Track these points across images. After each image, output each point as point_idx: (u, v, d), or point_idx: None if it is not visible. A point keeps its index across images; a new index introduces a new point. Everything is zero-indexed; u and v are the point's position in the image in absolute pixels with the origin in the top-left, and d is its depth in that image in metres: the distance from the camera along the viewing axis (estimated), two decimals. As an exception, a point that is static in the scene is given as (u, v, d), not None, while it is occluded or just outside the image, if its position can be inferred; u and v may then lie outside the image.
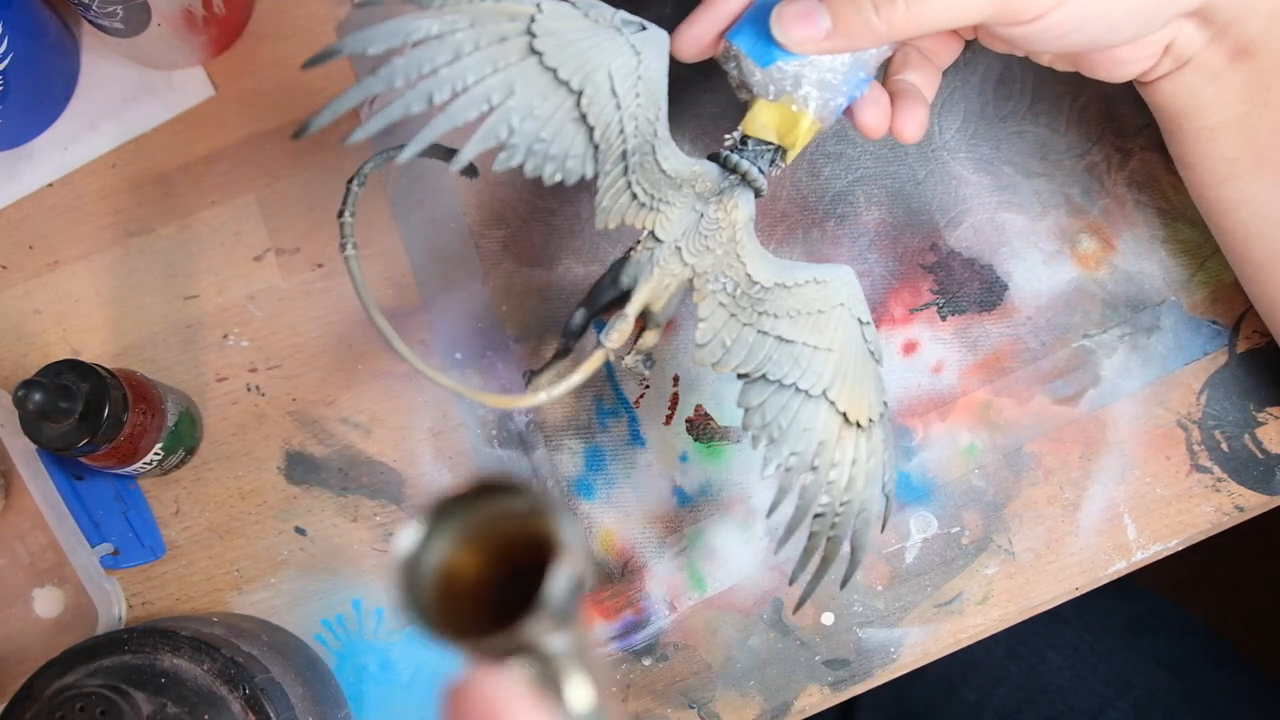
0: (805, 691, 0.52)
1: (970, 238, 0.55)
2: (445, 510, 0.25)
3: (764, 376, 0.43)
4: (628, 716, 0.52)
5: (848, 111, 0.44)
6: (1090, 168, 0.55)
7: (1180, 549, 0.52)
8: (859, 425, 0.43)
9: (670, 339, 0.55)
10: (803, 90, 0.42)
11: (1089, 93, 0.55)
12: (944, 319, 0.54)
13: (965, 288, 0.54)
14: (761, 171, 0.43)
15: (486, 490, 0.25)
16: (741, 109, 0.44)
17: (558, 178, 0.39)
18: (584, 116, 0.39)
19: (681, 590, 0.53)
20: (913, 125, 0.43)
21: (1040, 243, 0.54)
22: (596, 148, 0.40)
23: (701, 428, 0.54)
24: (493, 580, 0.27)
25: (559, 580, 0.23)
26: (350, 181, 0.42)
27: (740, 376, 0.43)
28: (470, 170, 0.43)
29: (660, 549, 0.53)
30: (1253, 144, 0.43)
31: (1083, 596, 0.52)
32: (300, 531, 0.54)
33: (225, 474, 0.55)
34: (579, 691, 0.25)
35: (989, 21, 0.38)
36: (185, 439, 0.53)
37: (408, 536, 0.25)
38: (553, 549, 0.24)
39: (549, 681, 0.25)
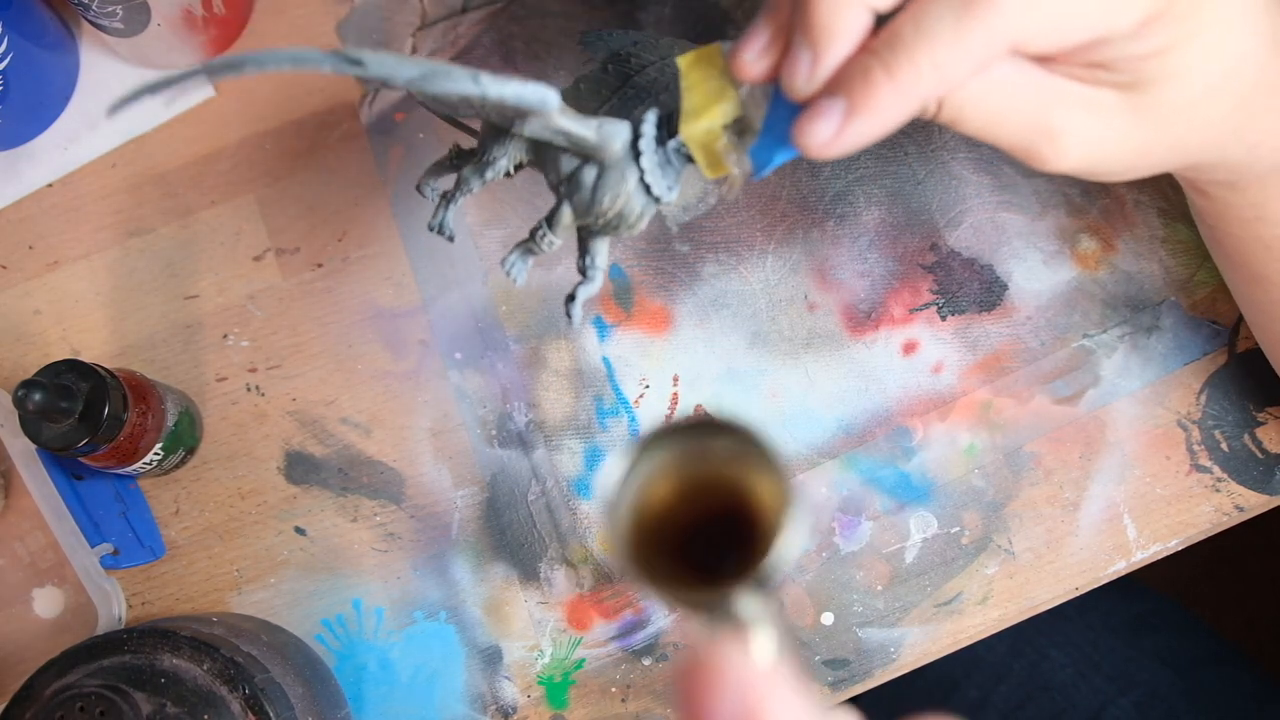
0: (805, 691, 0.52)
1: (970, 238, 0.55)
2: (657, 441, 0.25)
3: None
4: (631, 717, 0.52)
5: None
6: (1090, 167, 0.55)
7: (1180, 549, 0.52)
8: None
9: (670, 339, 0.55)
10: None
11: (1089, 92, 0.55)
12: (944, 319, 0.54)
13: (965, 288, 0.54)
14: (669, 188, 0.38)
15: (706, 427, 0.24)
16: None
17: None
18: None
19: (681, 590, 0.53)
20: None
21: (1040, 243, 0.54)
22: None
23: (701, 428, 0.54)
24: (683, 519, 0.26)
25: (787, 546, 0.22)
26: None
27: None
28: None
29: (660, 549, 0.53)
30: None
31: (1085, 595, 0.52)
32: (300, 531, 0.54)
33: (225, 474, 0.55)
34: (767, 653, 0.23)
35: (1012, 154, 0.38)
36: (185, 439, 0.53)
37: (613, 468, 0.24)
38: (765, 504, 0.23)
39: (737, 640, 0.23)
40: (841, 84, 0.31)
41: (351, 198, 0.57)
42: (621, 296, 0.55)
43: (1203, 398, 0.53)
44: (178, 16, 0.54)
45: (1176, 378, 0.53)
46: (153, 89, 0.33)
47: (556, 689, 0.52)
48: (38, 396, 0.45)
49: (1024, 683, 0.66)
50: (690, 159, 0.37)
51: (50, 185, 0.58)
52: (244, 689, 0.44)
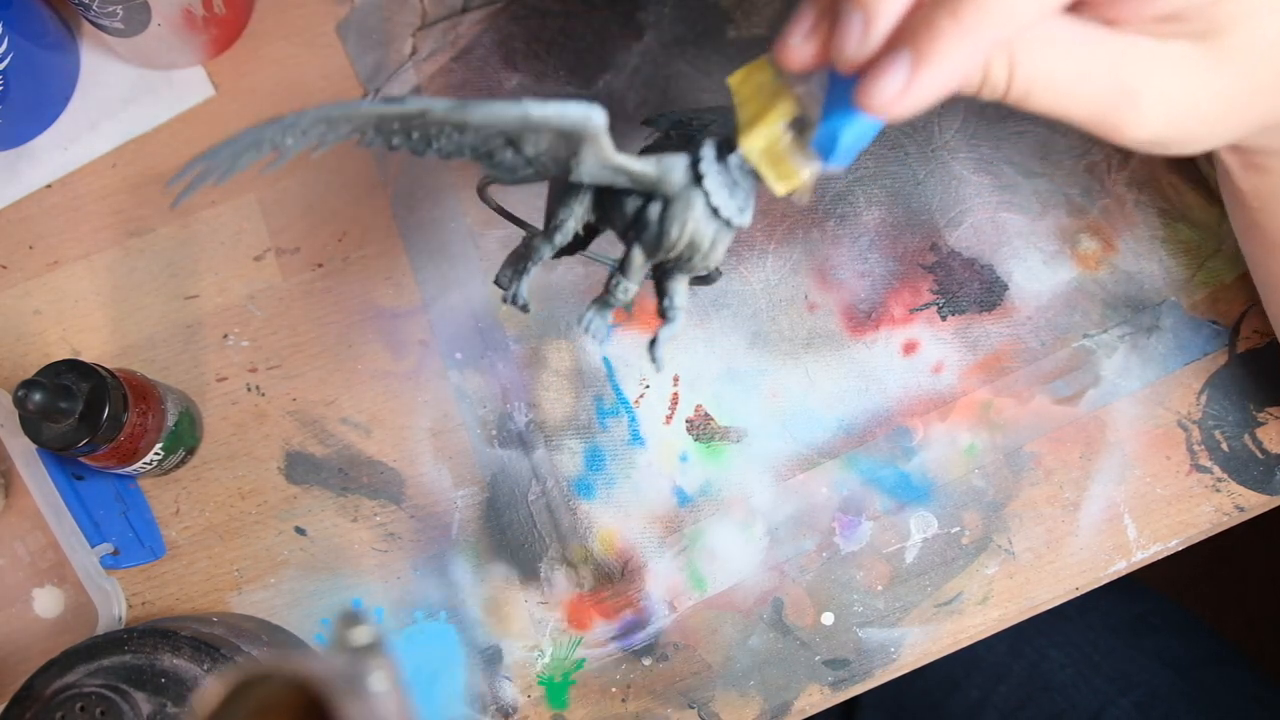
0: (805, 691, 0.52)
1: (970, 238, 0.55)
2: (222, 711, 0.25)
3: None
4: (631, 717, 0.52)
5: None
6: (1090, 168, 0.55)
7: (1180, 549, 0.52)
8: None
9: (669, 340, 0.55)
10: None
11: (1089, 92, 0.55)
12: (944, 319, 0.54)
13: (965, 288, 0.54)
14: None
15: (248, 685, 0.25)
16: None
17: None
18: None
19: (681, 590, 0.53)
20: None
21: (1040, 243, 0.54)
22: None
23: (701, 428, 0.54)
24: None
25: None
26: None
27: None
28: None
29: (660, 549, 0.53)
30: None
31: (1085, 595, 0.52)
32: (300, 531, 0.54)
33: (225, 474, 0.55)
34: None
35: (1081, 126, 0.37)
36: (185, 439, 0.53)
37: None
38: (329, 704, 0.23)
39: None
40: (904, 36, 0.30)
41: (351, 198, 0.57)
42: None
43: (1203, 398, 0.53)
44: (178, 16, 0.54)
45: (1177, 378, 0.53)
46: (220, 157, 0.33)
47: (556, 689, 0.52)
48: (38, 396, 0.45)
49: (1024, 683, 0.66)
50: (756, 176, 0.35)
51: (50, 185, 0.58)
52: (244, 689, 0.44)
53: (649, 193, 0.36)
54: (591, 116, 0.33)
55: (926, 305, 0.54)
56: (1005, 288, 0.54)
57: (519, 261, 0.40)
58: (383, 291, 0.56)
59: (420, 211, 0.56)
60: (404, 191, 0.57)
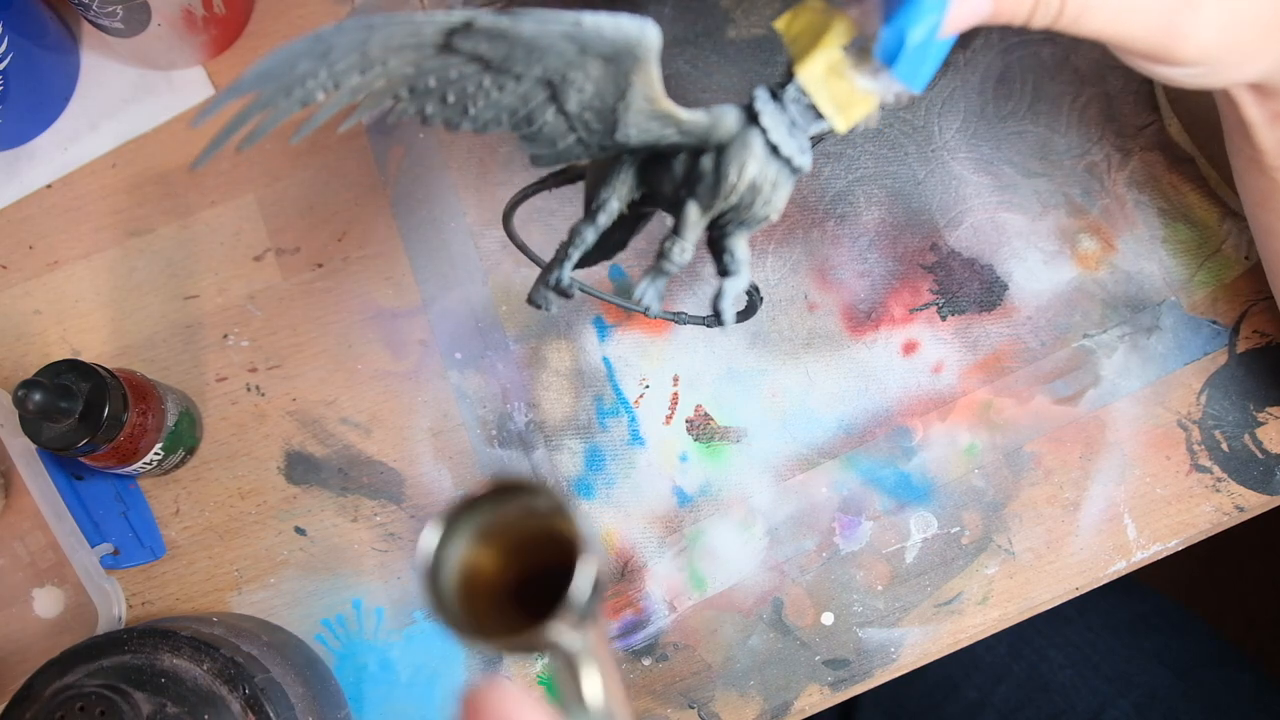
0: (805, 691, 0.52)
1: (970, 238, 0.55)
2: (464, 511, 0.26)
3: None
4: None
5: None
6: (1090, 168, 0.55)
7: (1180, 549, 0.52)
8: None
9: (670, 339, 0.55)
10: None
11: (1089, 93, 0.55)
12: (944, 319, 0.54)
13: (965, 288, 0.54)
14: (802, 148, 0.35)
15: (503, 491, 0.26)
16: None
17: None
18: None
19: (681, 590, 0.53)
20: None
21: (1040, 243, 0.54)
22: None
23: (701, 428, 0.54)
24: (512, 577, 0.27)
25: (582, 580, 0.24)
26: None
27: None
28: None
29: (660, 549, 0.53)
30: None
31: (1085, 595, 0.52)
32: (300, 531, 0.54)
33: (225, 474, 0.55)
34: (594, 687, 0.26)
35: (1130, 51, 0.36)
36: (185, 439, 0.53)
37: (428, 538, 0.26)
38: (572, 548, 0.24)
39: (567, 676, 0.26)
40: None
41: (351, 198, 0.57)
42: (622, 296, 0.55)
43: (1203, 398, 0.53)
44: (178, 16, 0.54)
45: (1176, 378, 0.53)
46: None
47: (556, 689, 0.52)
48: (38, 396, 0.45)
49: (1023, 684, 0.66)
50: (815, 112, 0.33)
51: (50, 185, 0.58)
52: (244, 689, 0.44)
53: (699, 148, 0.34)
54: (646, 29, 0.31)
55: (926, 305, 0.54)
56: (1005, 288, 0.54)
57: (551, 272, 0.38)
58: (383, 291, 0.56)
59: (420, 211, 0.56)
60: (404, 191, 0.57)
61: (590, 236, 0.37)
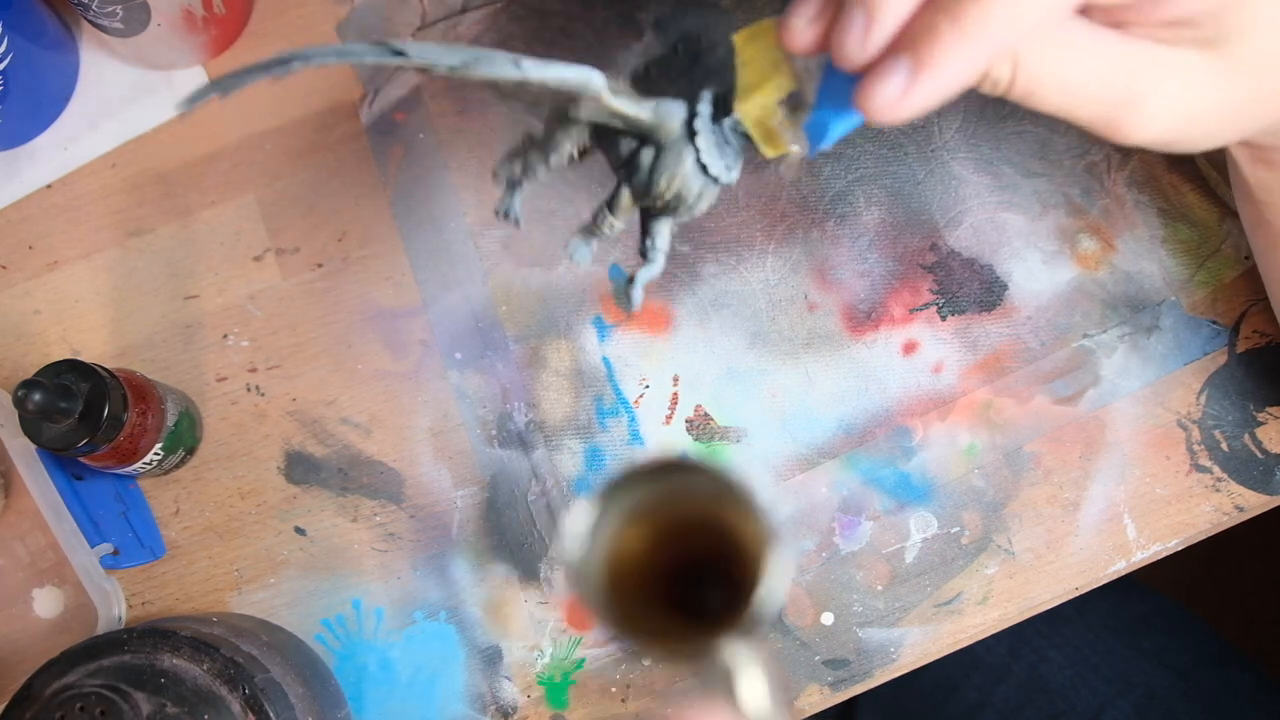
0: (805, 691, 0.52)
1: (970, 238, 0.55)
2: (619, 488, 0.24)
3: None
4: (631, 717, 0.52)
5: None
6: (1090, 168, 0.55)
7: (1180, 549, 0.52)
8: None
9: (670, 339, 0.55)
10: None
11: (1089, 92, 0.55)
12: (944, 319, 0.54)
13: (965, 288, 0.54)
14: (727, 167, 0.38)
15: (663, 469, 0.23)
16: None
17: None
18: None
19: (681, 590, 0.53)
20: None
21: (1040, 243, 0.54)
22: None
23: (701, 428, 0.54)
24: (659, 566, 0.25)
25: (775, 585, 0.21)
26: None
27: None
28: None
29: (660, 549, 0.53)
30: None
31: (1084, 595, 0.52)
32: (300, 531, 0.54)
33: (225, 474, 0.55)
34: (760, 699, 0.23)
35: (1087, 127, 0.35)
36: (185, 439, 0.53)
37: (580, 517, 0.23)
38: (751, 547, 0.22)
39: (723, 685, 0.23)
40: (905, 42, 0.30)
41: (351, 198, 0.57)
42: (621, 296, 0.55)
43: (1203, 398, 0.53)
44: (178, 16, 0.54)
45: (1176, 378, 0.53)
46: (221, 85, 0.32)
47: (556, 689, 0.52)
48: (38, 396, 0.45)
49: (1023, 684, 0.66)
50: (748, 137, 0.36)
51: (50, 185, 0.58)
52: (244, 689, 0.44)
53: (644, 137, 0.37)
54: (591, 81, 0.33)
55: (926, 305, 0.54)
56: (1005, 288, 0.54)
57: (513, 158, 0.41)
58: (383, 291, 0.56)
59: (420, 211, 0.56)
60: (404, 191, 0.57)
61: (541, 173, 0.40)
